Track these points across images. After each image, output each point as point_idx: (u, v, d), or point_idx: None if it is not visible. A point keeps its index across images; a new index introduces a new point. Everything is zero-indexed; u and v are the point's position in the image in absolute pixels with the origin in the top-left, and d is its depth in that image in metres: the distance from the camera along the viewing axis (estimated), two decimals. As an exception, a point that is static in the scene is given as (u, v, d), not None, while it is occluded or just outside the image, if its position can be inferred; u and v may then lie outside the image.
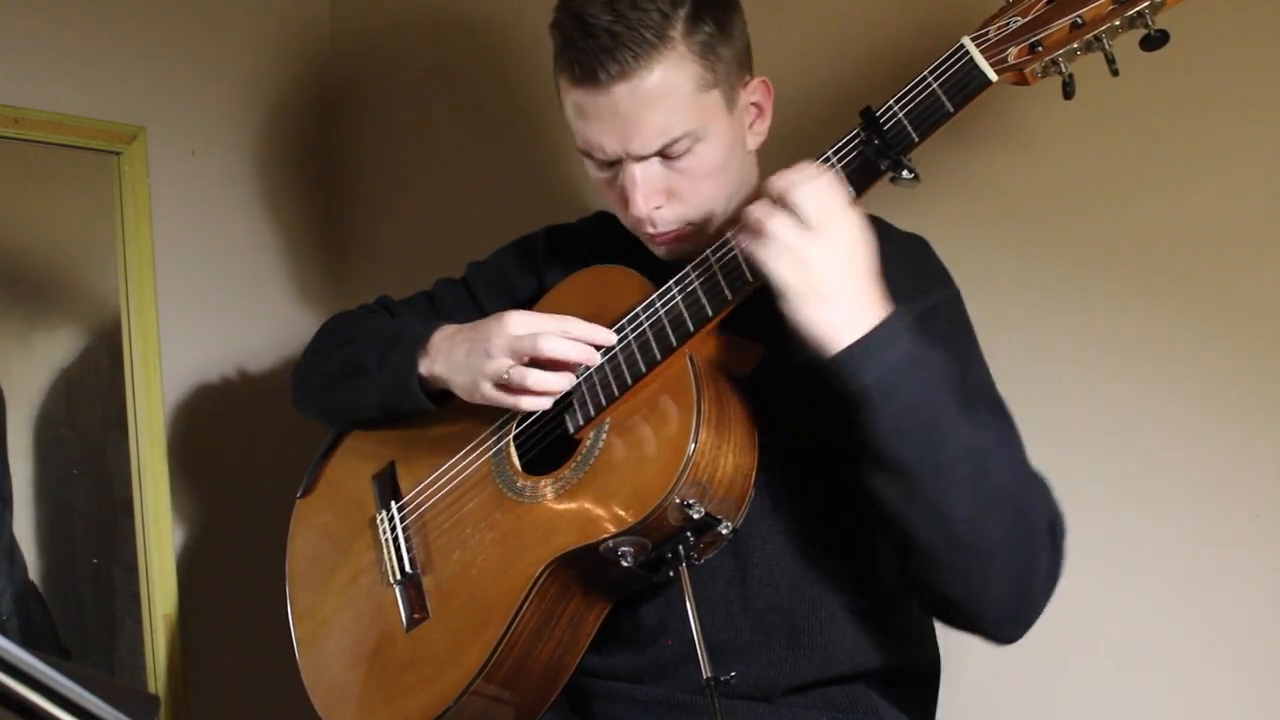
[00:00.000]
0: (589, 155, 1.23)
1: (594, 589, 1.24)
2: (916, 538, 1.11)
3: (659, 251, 1.29)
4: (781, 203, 1.08)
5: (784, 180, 1.09)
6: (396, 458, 1.43)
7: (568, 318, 1.24)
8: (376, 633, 1.35)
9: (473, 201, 2.03)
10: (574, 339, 1.22)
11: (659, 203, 1.21)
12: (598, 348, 1.24)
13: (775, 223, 1.08)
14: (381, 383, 1.36)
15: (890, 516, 1.11)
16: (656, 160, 1.19)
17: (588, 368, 1.25)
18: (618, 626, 1.29)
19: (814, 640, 1.24)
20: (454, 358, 1.28)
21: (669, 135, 1.17)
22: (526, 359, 1.22)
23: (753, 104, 1.26)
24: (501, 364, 1.22)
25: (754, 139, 1.28)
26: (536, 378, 1.21)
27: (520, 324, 1.23)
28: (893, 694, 1.30)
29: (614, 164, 1.22)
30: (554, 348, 1.20)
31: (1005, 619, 1.16)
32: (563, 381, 1.23)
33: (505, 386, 1.23)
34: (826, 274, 1.07)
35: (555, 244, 1.48)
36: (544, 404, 1.24)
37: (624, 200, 1.23)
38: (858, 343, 1.06)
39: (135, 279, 1.79)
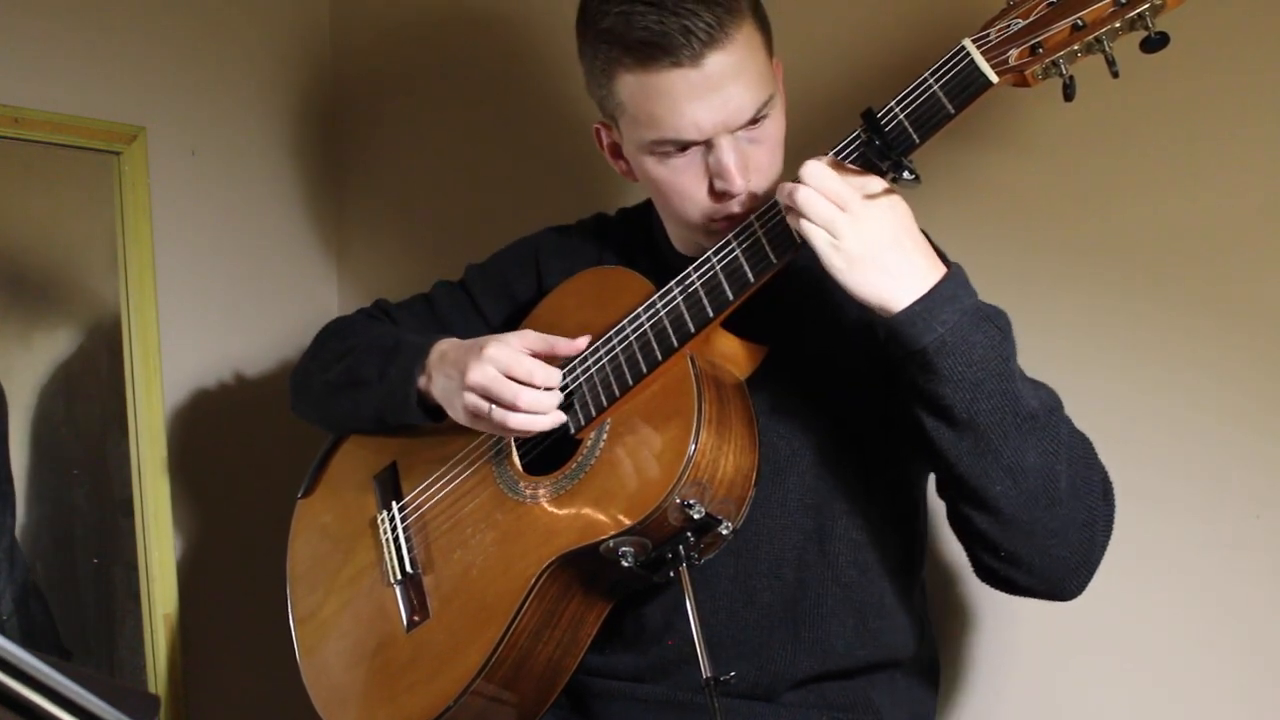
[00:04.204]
0: (672, 141, 1.18)
1: (594, 589, 1.24)
2: (988, 493, 1.11)
3: (717, 243, 1.23)
4: (810, 178, 1.08)
5: (808, 163, 1.10)
6: (398, 458, 1.43)
7: (529, 358, 1.23)
8: (377, 633, 1.35)
9: (473, 202, 2.03)
10: (542, 384, 1.22)
11: (749, 177, 1.19)
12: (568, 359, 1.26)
13: (802, 197, 1.08)
14: (381, 396, 1.36)
15: (960, 475, 1.11)
16: (741, 131, 1.17)
17: (586, 370, 1.26)
18: (621, 626, 1.29)
19: (814, 635, 1.25)
20: (439, 383, 1.30)
21: (761, 98, 1.16)
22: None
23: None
24: (480, 406, 1.23)
25: None
26: (516, 421, 1.22)
27: (494, 362, 1.22)
28: (893, 692, 1.30)
29: (691, 149, 1.18)
30: (530, 401, 1.21)
31: (1069, 573, 1.17)
32: (542, 421, 1.23)
33: (481, 418, 1.24)
34: (869, 237, 1.07)
35: (555, 245, 1.48)
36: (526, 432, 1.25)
37: (705, 184, 1.19)
38: (920, 300, 1.07)
39: (135, 279, 1.78)
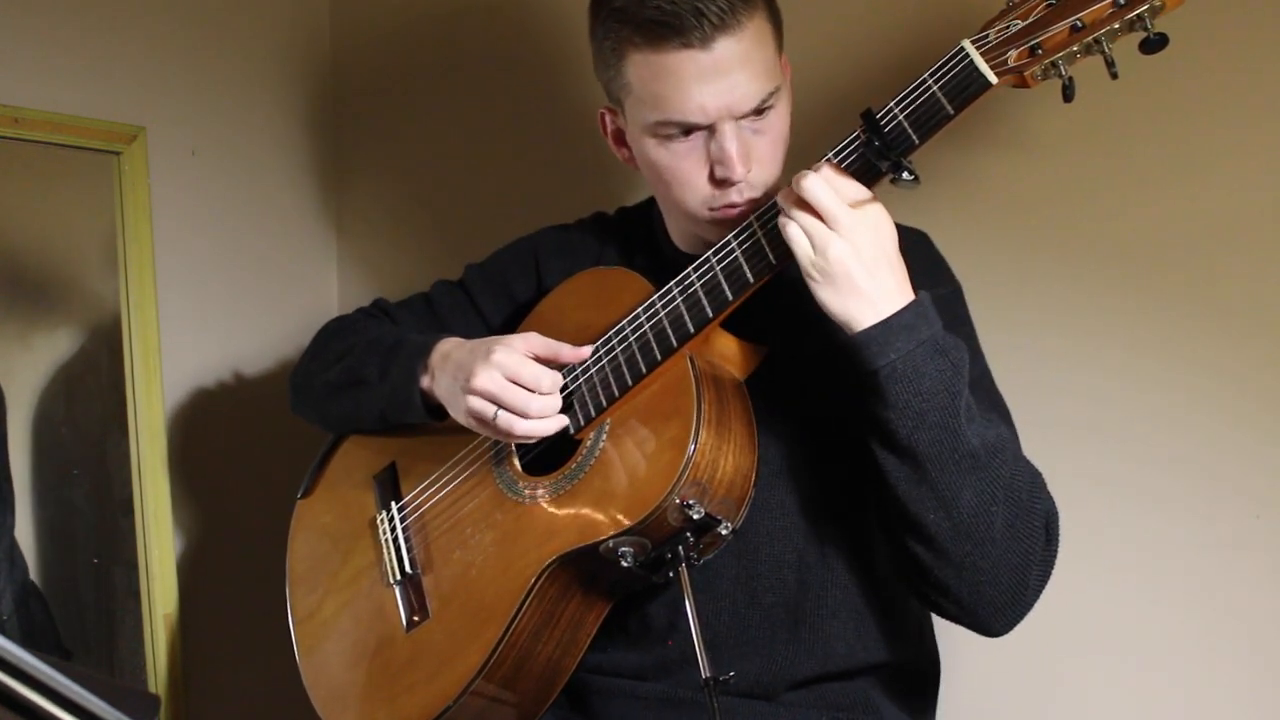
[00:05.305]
0: (676, 124, 1.18)
1: (594, 589, 1.24)
2: (922, 520, 1.12)
3: (717, 235, 1.23)
4: (804, 191, 1.09)
5: (806, 173, 1.11)
6: (397, 458, 1.43)
7: (534, 363, 1.23)
8: (376, 633, 1.35)
9: (473, 202, 2.03)
10: (548, 390, 1.22)
11: (750, 166, 1.19)
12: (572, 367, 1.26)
13: (796, 209, 1.10)
14: (383, 395, 1.36)
15: (897, 498, 1.13)
16: (745, 121, 1.18)
17: (586, 370, 1.26)
18: (626, 625, 1.29)
19: (815, 634, 1.25)
20: (442, 383, 1.30)
21: (767, 88, 1.17)
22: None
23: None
24: (485, 410, 1.23)
25: None
26: (523, 427, 1.22)
27: (501, 367, 1.22)
28: (893, 693, 1.30)
29: (694, 134, 1.19)
30: (540, 408, 1.22)
31: (997, 611, 1.17)
32: (547, 426, 1.23)
33: (485, 423, 1.25)
34: (847, 258, 1.08)
35: (554, 245, 1.48)
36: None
37: (706, 170, 1.20)
38: (878, 325, 1.09)
39: (135, 279, 1.78)
